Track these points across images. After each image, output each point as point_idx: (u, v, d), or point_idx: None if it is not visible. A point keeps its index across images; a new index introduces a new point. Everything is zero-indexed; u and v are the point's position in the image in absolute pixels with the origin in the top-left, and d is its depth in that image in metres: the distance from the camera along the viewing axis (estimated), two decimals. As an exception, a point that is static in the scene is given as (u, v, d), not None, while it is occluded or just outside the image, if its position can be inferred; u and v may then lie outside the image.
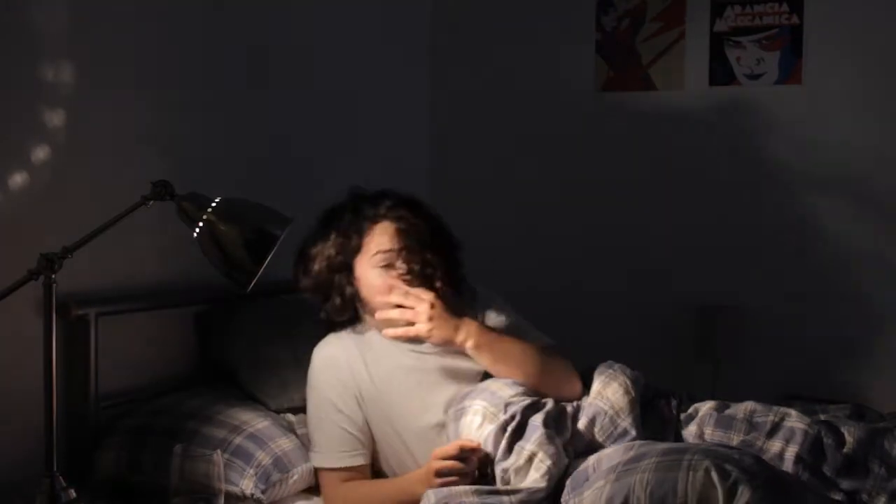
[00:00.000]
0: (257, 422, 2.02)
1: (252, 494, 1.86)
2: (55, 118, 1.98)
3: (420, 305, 1.90)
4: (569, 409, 1.90)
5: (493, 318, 2.09)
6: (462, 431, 1.85)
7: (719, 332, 3.00)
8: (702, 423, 1.91)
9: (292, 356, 2.21)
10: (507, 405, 1.83)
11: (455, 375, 1.99)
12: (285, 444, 2.01)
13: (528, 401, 1.85)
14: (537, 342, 2.03)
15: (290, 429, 2.10)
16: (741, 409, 1.91)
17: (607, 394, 1.91)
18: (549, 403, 1.87)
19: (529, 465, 1.72)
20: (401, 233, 1.99)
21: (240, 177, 2.35)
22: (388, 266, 1.98)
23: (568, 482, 1.71)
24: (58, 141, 1.98)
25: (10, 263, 1.63)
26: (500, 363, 1.95)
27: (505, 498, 1.67)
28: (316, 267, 2.02)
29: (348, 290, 2.01)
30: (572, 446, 1.82)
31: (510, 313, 2.12)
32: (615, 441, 1.84)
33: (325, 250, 2.02)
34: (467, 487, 1.71)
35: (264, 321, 2.30)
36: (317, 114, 2.78)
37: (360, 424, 1.96)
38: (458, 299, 2.04)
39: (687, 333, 3.05)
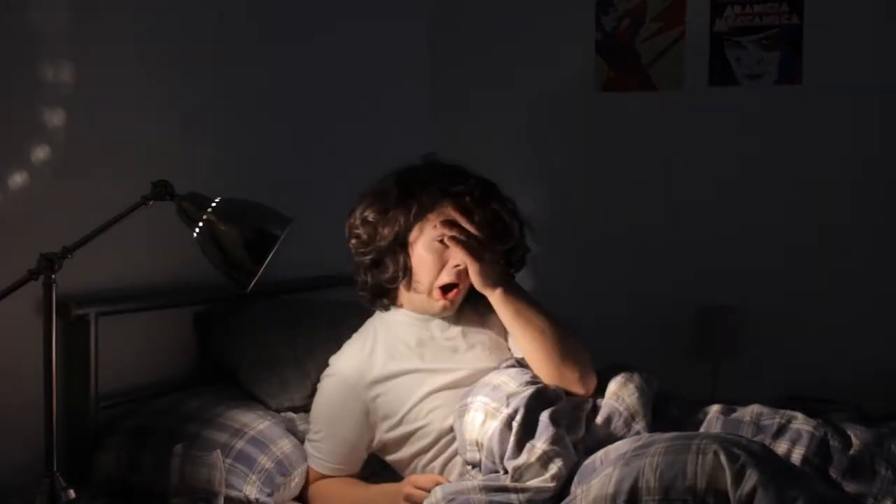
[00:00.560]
0: (258, 423, 2.02)
1: (257, 499, 1.86)
2: (55, 118, 1.98)
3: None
4: (587, 406, 1.90)
5: None
6: (465, 429, 1.84)
7: (719, 332, 3.00)
8: (709, 426, 1.90)
9: (292, 356, 2.21)
10: (508, 398, 1.82)
11: (470, 350, 2.02)
12: (286, 446, 2.01)
13: (531, 390, 1.83)
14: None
15: (291, 428, 2.10)
16: (747, 412, 1.91)
17: (623, 395, 1.91)
18: (560, 398, 1.86)
19: (539, 463, 1.71)
20: (470, 214, 1.97)
21: (240, 177, 2.34)
22: (445, 244, 1.96)
23: (576, 476, 1.71)
24: (58, 141, 1.98)
25: (10, 263, 1.63)
26: (521, 318, 1.93)
27: (513, 496, 1.68)
28: (382, 230, 2.00)
29: (402, 258, 1.99)
30: (583, 444, 1.81)
31: None
32: None
33: (397, 216, 1.99)
34: (476, 483, 1.71)
35: (264, 321, 2.30)
36: (317, 114, 2.78)
37: (362, 443, 2.00)
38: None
39: (687, 333, 3.05)
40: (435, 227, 1.97)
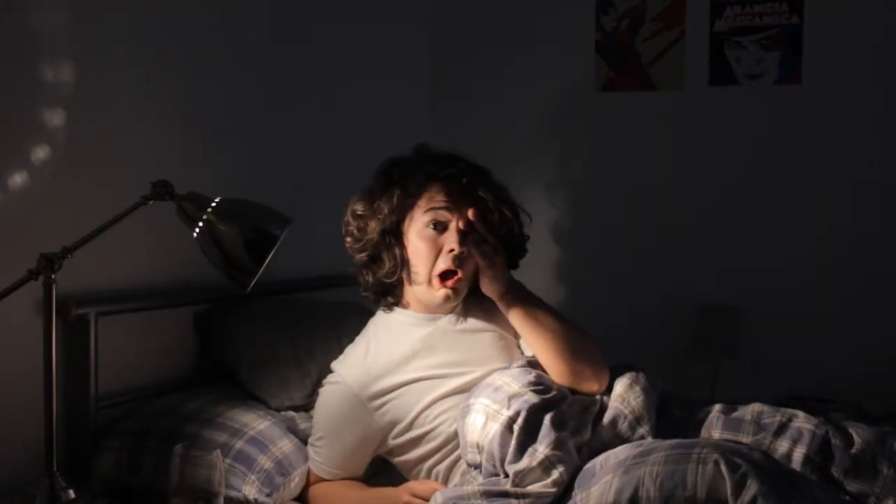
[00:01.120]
0: (258, 423, 2.02)
1: (256, 500, 1.85)
2: (55, 118, 1.98)
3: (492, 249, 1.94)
4: (594, 408, 1.88)
5: None
6: (466, 431, 1.82)
7: (719, 332, 3.00)
8: (710, 426, 1.89)
9: (292, 355, 2.21)
10: (510, 400, 1.79)
11: (479, 349, 1.99)
12: (286, 446, 2.01)
13: (534, 395, 1.81)
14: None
15: (292, 427, 2.10)
16: (749, 410, 1.90)
17: (629, 398, 1.88)
18: (563, 400, 1.84)
19: (541, 468, 1.69)
20: (458, 194, 1.93)
21: (240, 177, 2.35)
22: (439, 226, 1.94)
23: (576, 480, 1.70)
24: (58, 141, 1.98)
25: (10, 263, 1.63)
26: (532, 321, 1.92)
27: (514, 501, 1.66)
28: (369, 224, 1.98)
29: (397, 251, 1.96)
30: (587, 447, 1.79)
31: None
32: None
33: (381, 206, 1.96)
34: (476, 488, 1.70)
35: (264, 321, 2.30)
36: (317, 115, 2.78)
37: (364, 449, 1.99)
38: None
39: (687, 333, 3.05)
40: (424, 212, 1.94)
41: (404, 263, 1.97)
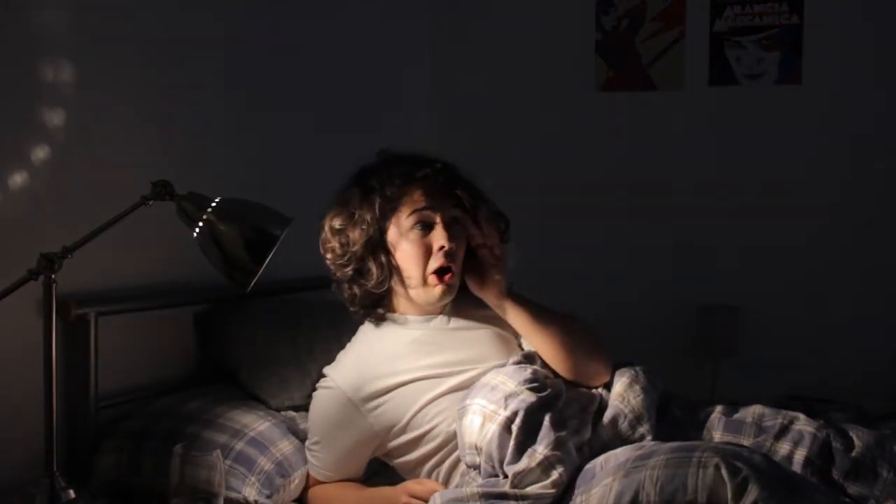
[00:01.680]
0: (258, 424, 2.01)
1: (256, 501, 1.85)
2: (55, 118, 1.98)
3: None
4: (593, 406, 1.88)
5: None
6: (464, 433, 1.81)
7: (719, 332, 3.00)
8: (711, 427, 1.89)
9: (292, 355, 2.21)
10: (507, 399, 1.78)
11: (474, 346, 1.99)
12: (286, 447, 2.01)
13: (530, 394, 1.80)
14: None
15: (292, 427, 2.10)
16: (750, 412, 1.90)
17: (629, 397, 1.88)
18: (560, 397, 1.84)
19: (540, 469, 1.68)
20: (436, 191, 1.93)
21: (240, 177, 2.35)
22: (425, 226, 1.92)
23: (577, 481, 1.69)
24: (58, 141, 1.98)
25: (10, 263, 1.63)
26: (536, 322, 1.93)
27: (513, 502, 1.65)
28: (351, 236, 1.94)
29: (384, 258, 1.93)
30: (588, 447, 1.78)
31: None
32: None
33: (363, 216, 1.93)
34: (475, 490, 1.69)
35: (264, 321, 2.30)
36: (317, 114, 2.78)
37: (361, 452, 1.98)
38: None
39: (687, 333, 3.05)
40: (408, 215, 1.92)
41: (393, 270, 1.95)
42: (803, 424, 1.83)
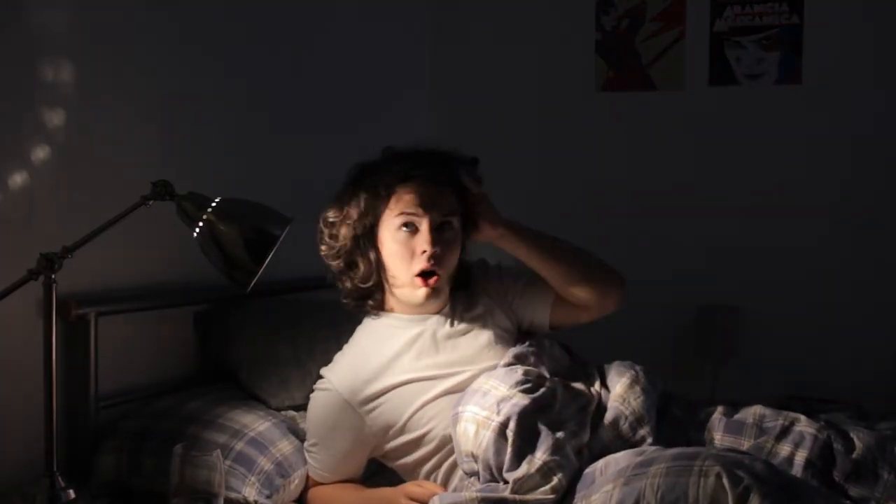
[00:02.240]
0: (258, 424, 2.01)
1: (256, 501, 1.84)
2: (55, 118, 1.98)
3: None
4: (591, 407, 1.87)
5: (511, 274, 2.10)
6: (459, 441, 1.80)
7: (719, 332, 3.00)
8: (711, 428, 1.89)
9: (292, 355, 2.21)
10: (499, 404, 1.77)
11: (470, 347, 1.98)
12: (286, 447, 2.00)
13: (523, 396, 1.79)
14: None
15: (293, 427, 2.10)
16: (750, 413, 1.89)
17: (629, 398, 1.87)
18: (555, 396, 1.83)
19: (540, 475, 1.67)
20: (427, 195, 1.92)
21: (240, 177, 2.34)
22: (411, 228, 1.92)
23: (577, 485, 1.69)
24: (58, 141, 1.98)
25: (10, 263, 1.63)
26: (540, 242, 1.99)
27: None
28: (341, 230, 1.96)
29: (372, 254, 1.95)
30: (588, 449, 1.78)
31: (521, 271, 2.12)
32: (631, 448, 1.78)
33: (351, 212, 1.95)
34: (474, 495, 1.68)
35: (264, 321, 2.30)
36: (317, 115, 2.78)
37: (358, 453, 1.97)
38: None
39: (687, 333, 3.05)
40: (396, 215, 1.92)
41: (380, 267, 1.96)
42: (804, 426, 1.82)
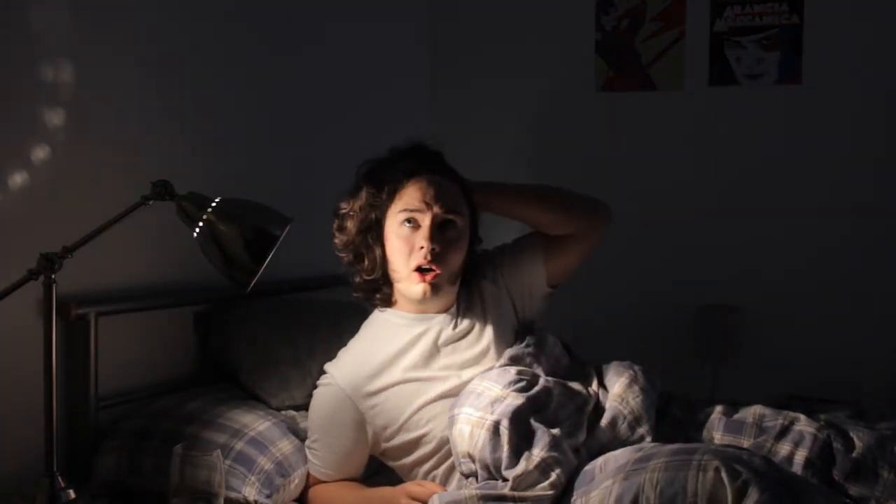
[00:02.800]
0: (258, 424, 2.01)
1: (256, 501, 1.85)
2: (55, 118, 1.98)
3: None
4: (588, 407, 1.87)
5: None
6: (456, 442, 1.81)
7: (719, 332, 3.00)
8: (711, 427, 1.89)
9: (292, 355, 2.21)
10: (493, 404, 1.78)
11: (471, 348, 1.98)
12: (286, 447, 2.00)
13: (516, 396, 1.79)
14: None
15: (293, 427, 2.10)
16: (750, 413, 1.90)
17: (628, 398, 1.88)
18: (550, 394, 1.83)
19: (538, 471, 1.68)
20: (431, 192, 1.94)
21: (240, 177, 2.34)
22: (413, 224, 1.94)
23: (576, 482, 1.69)
24: (58, 141, 1.98)
25: (10, 263, 1.63)
26: (525, 194, 2.10)
27: None
28: (348, 224, 2.00)
29: (377, 248, 1.98)
30: (585, 448, 1.78)
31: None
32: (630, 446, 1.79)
33: (357, 206, 1.99)
34: (474, 492, 1.69)
35: (264, 321, 2.30)
36: (317, 113, 2.78)
37: (359, 451, 1.98)
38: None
39: (687, 333, 3.05)
40: (400, 211, 1.94)
41: (383, 261, 1.99)
42: (804, 425, 1.83)
